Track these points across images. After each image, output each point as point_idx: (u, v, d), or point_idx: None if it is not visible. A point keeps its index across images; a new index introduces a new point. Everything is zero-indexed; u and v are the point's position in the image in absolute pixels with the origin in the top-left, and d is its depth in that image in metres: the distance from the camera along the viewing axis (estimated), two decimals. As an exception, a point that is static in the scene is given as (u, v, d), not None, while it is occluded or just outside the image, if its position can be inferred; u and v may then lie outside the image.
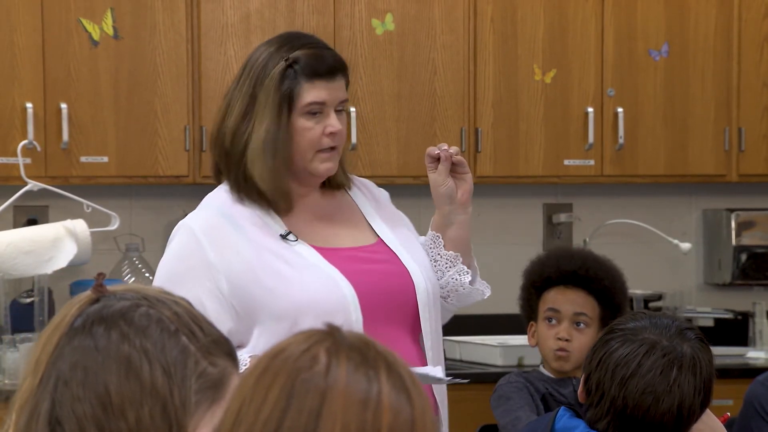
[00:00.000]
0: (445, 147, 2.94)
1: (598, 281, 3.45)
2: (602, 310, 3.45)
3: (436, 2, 4.94)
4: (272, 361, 1.28)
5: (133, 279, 4.85)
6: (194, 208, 5.10)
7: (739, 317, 5.27)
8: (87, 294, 1.46)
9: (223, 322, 2.74)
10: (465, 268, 2.97)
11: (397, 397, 1.25)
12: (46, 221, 4.80)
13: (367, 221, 2.96)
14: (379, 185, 5.30)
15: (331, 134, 2.85)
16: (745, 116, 5.19)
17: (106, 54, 4.73)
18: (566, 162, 5.05)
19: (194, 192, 5.07)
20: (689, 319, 5.15)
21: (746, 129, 5.19)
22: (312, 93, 2.84)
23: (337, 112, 2.87)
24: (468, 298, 3.02)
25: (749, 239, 5.31)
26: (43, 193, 4.49)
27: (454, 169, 2.94)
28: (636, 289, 5.01)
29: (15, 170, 4.58)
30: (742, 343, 5.30)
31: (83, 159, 4.72)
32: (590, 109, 5.04)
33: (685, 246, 5.09)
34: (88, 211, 4.41)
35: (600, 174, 5.08)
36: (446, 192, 2.93)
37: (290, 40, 2.90)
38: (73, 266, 4.39)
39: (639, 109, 5.10)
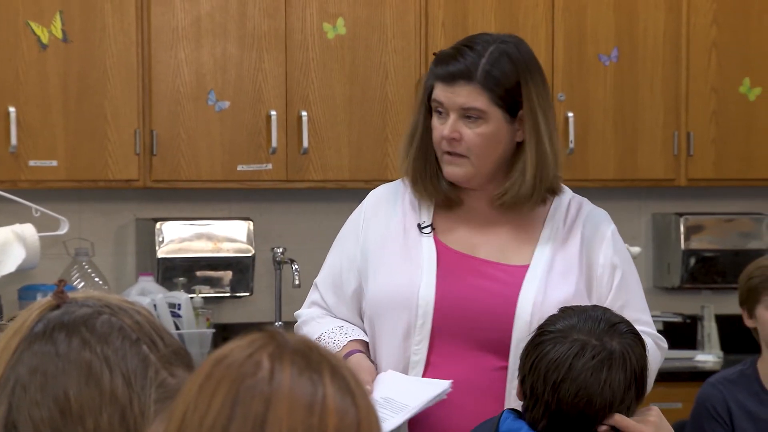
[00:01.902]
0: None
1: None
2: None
3: (388, 6, 4.94)
4: (215, 367, 1.27)
5: (82, 284, 4.81)
6: (145, 212, 5.11)
7: (688, 321, 5.30)
8: (47, 300, 1.45)
9: (350, 282, 2.87)
10: None
11: (342, 400, 1.25)
12: (-6, 226, 4.76)
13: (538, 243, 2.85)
14: (331, 189, 5.30)
15: (444, 138, 2.80)
16: (693, 121, 5.23)
17: (55, 57, 4.69)
18: (517, 166, 5.06)
19: (144, 196, 5.05)
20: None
21: (695, 134, 5.23)
22: (435, 92, 2.81)
23: (468, 118, 2.79)
24: None
25: (698, 243, 5.35)
26: (-9, 197, 4.45)
27: None
28: (586, 292, 5.04)
29: (-38, 174, 4.54)
30: (691, 346, 5.34)
31: (32, 163, 4.69)
32: (541, 114, 5.05)
33: (635, 250, 5.11)
34: (37, 215, 4.37)
35: (551, 178, 5.09)
36: None
37: (464, 38, 2.87)
38: (21, 271, 4.34)
39: (589, 114, 5.13)
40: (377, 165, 4.89)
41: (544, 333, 2.45)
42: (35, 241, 4.27)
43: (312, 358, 1.27)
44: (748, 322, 3.52)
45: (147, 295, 4.71)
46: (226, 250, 4.93)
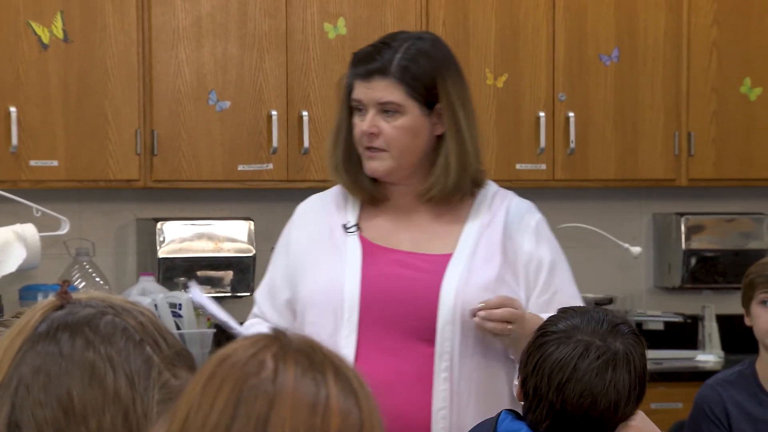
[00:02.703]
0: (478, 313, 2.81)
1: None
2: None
3: (389, 6, 4.94)
4: (219, 367, 1.27)
5: (83, 284, 4.81)
6: (145, 212, 5.11)
7: (689, 320, 5.31)
8: (51, 300, 1.45)
9: (283, 292, 2.95)
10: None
11: (345, 401, 1.25)
12: (-6, 225, 4.76)
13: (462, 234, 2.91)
14: (330, 188, 5.29)
15: (364, 133, 2.88)
16: (694, 121, 5.23)
17: (55, 57, 4.69)
18: (518, 166, 5.06)
19: (145, 196, 5.05)
20: (638, 324, 5.18)
21: (695, 134, 5.23)
22: (355, 90, 2.90)
23: (386, 113, 2.87)
24: None
25: (699, 243, 5.35)
26: (-9, 197, 4.44)
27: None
28: (587, 292, 5.03)
29: (-37, 174, 4.54)
30: (692, 346, 5.34)
31: (33, 163, 4.69)
32: (542, 114, 5.06)
33: (636, 250, 5.11)
34: (38, 215, 4.37)
35: (551, 178, 5.10)
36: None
37: (383, 36, 2.95)
38: (22, 271, 4.34)
39: (590, 114, 5.13)
40: (378, 165, 4.89)
41: (546, 333, 2.45)
42: (36, 241, 4.27)
43: (315, 358, 1.27)
44: (747, 320, 3.52)
45: (148, 295, 4.71)
46: (227, 250, 4.93)
